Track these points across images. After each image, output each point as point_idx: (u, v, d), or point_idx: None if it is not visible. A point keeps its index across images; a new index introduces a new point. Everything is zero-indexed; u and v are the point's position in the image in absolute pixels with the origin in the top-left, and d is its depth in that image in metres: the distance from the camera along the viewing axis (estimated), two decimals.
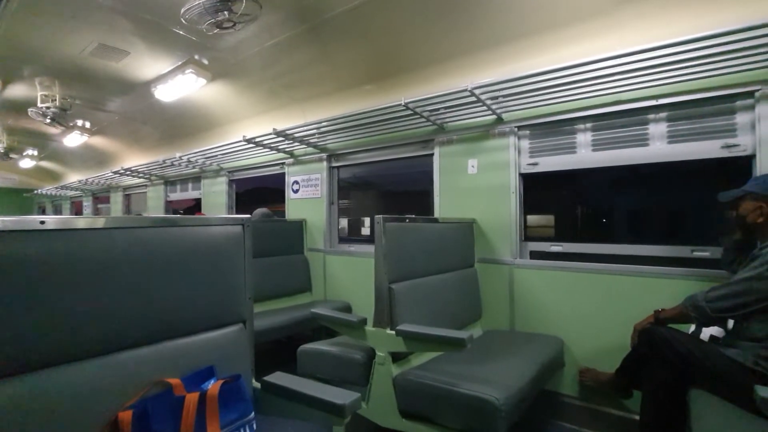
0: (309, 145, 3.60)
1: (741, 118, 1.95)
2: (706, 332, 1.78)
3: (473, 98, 2.37)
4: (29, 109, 4.07)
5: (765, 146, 1.85)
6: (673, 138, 2.13)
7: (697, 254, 2.10)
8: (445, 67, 2.73)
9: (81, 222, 0.94)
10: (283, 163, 4.00)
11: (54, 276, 0.86)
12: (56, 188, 8.00)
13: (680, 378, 1.55)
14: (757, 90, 1.87)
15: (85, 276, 0.91)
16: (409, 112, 2.65)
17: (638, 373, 1.75)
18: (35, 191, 8.69)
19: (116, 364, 0.95)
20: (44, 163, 8.00)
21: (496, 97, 2.41)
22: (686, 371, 1.53)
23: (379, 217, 1.98)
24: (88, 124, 5.01)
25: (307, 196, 3.78)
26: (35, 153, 7.05)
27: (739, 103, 1.96)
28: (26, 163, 7.54)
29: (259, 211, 3.96)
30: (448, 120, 2.82)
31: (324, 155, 3.64)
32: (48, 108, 3.98)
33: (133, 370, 0.97)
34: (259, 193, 6.54)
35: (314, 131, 3.32)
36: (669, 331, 1.62)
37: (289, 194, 3.94)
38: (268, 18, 2.63)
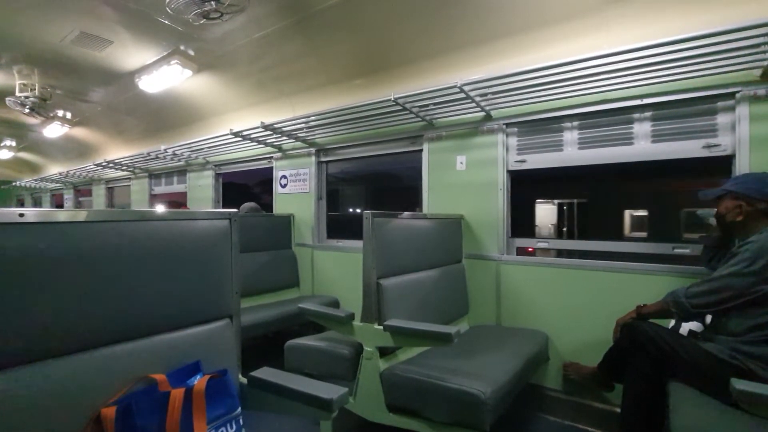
0: (297, 139, 3.57)
1: (722, 119, 2.00)
2: (686, 327, 1.83)
3: (462, 95, 2.38)
4: (7, 99, 3.95)
5: (744, 146, 1.90)
6: (656, 137, 2.17)
7: (678, 251, 2.16)
8: (435, 63, 2.73)
9: (62, 215, 0.91)
10: (270, 158, 3.96)
11: (34, 270, 0.84)
12: (36, 180, 7.79)
13: (660, 371, 1.59)
14: (738, 91, 1.91)
15: (66, 270, 0.89)
16: (399, 107, 2.65)
17: (620, 366, 1.79)
18: (13, 183, 8.44)
19: (99, 359, 0.93)
20: (23, 154, 7.77)
21: (485, 94, 2.43)
22: (666, 364, 1.57)
23: (367, 212, 1.98)
24: (69, 115, 4.88)
25: (296, 190, 3.75)
26: (13, 144, 6.85)
27: (720, 104, 2.00)
28: (4, 154, 7.32)
29: (247, 205, 3.92)
30: (437, 116, 2.83)
31: (312, 150, 3.61)
32: (27, 97, 3.87)
33: (116, 366, 0.95)
34: (266, 184, 6.35)
35: (303, 125, 3.30)
36: (649, 326, 1.66)
37: (277, 189, 3.91)
38: (256, 9, 2.59)
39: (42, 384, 0.83)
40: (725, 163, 2.00)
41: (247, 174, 4.46)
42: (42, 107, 4.10)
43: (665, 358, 1.57)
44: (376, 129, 3.15)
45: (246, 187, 5.74)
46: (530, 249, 2.67)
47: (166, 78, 3.47)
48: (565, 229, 5.10)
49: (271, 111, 3.62)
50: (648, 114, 2.20)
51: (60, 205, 8.27)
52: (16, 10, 2.72)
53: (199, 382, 1.00)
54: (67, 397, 0.86)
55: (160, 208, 1.20)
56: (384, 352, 1.90)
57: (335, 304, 3.25)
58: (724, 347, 1.51)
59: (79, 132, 5.70)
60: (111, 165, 5.39)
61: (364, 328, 1.91)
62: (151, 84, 3.60)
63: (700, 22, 1.83)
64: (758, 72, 1.86)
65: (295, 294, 3.55)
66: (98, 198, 6.80)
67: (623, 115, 2.25)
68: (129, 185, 6.00)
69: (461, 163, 2.77)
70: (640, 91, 2.14)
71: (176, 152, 4.40)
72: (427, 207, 2.94)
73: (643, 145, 2.21)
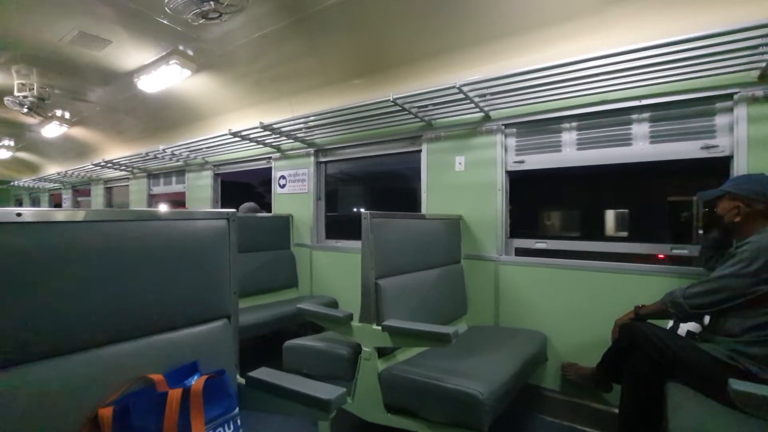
0: (296, 139, 3.57)
1: (720, 120, 2.01)
2: (684, 327, 1.83)
3: (461, 95, 2.38)
4: (5, 98, 3.94)
5: (742, 147, 1.91)
6: (655, 138, 2.18)
7: (676, 252, 2.16)
8: (434, 63, 2.73)
9: (60, 215, 0.91)
10: (269, 158, 3.96)
11: (31, 270, 0.84)
12: (34, 180, 7.77)
13: (658, 371, 1.59)
14: (736, 93, 1.92)
15: (64, 270, 0.89)
16: (398, 108, 2.65)
17: (618, 367, 1.79)
18: (11, 183, 8.42)
19: (96, 359, 0.93)
20: (21, 154, 7.75)
21: (484, 95, 2.43)
22: (664, 365, 1.58)
23: (366, 212, 1.98)
24: (67, 115, 4.86)
25: (294, 191, 3.75)
26: (11, 143, 6.82)
27: (718, 105, 2.01)
28: (2, 154, 7.28)
29: (246, 205, 3.92)
30: (436, 117, 2.83)
31: (311, 150, 3.61)
32: (25, 97, 3.86)
33: (113, 366, 0.95)
34: (269, 184, 6.24)
35: (302, 126, 3.30)
36: (648, 326, 1.66)
37: (276, 189, 3.90)
38: (256, 9, 2.59)
39: (39, 384, 0.83)
40: (723, 164, 2.01)
41: (250, 173, 4.46)
42: (40, 107, 4.09)
43: (663, 359, 1.57)
44: (375, 129, 3.15)
45: (249, 187, 5.72)
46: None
47: (164, 78, 3.47)
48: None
49: (270, 111, 3.62)
50: (646, 115, 2.20)
51: (58, 205, 8.25)
52: (15, 9, 2.71)
53: (196, 382, 1.00)
54: (64, 397, 0.86)
55: (164, 208, 1.20)
56: (382, 353, 1.89)
57: (334, 304, 3.25)
58: (722, 348, 1.51)
59: (78, 132, 5.69)
60: (109, 165, 5.38)
61: (362, 329, 1.91)
62: (149, 84, 3.60)
63: (698, 23, 1.84)
64: (756, 73, 1.86)
65: (293, 294, 3.55)
66: (97, 198, 6.79)
67: (622, 115, 2.26)
68: (127, 185, 5.99)
69: (460, 163, 2.77)
70: (638, 92, 2.14)
71: (175, 152, 4.40)
72: (425, 207, 2.94)
73: (641, 146, 2.21)
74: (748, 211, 1.61)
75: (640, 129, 2.22)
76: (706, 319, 1.72)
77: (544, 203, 3.02)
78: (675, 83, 2.03)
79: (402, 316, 1.93)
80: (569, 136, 2.43)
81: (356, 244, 3.02)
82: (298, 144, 3.66)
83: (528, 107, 2.47)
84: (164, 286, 1.07)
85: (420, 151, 2.98)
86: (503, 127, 2.60)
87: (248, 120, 3.60)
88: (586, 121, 2.37)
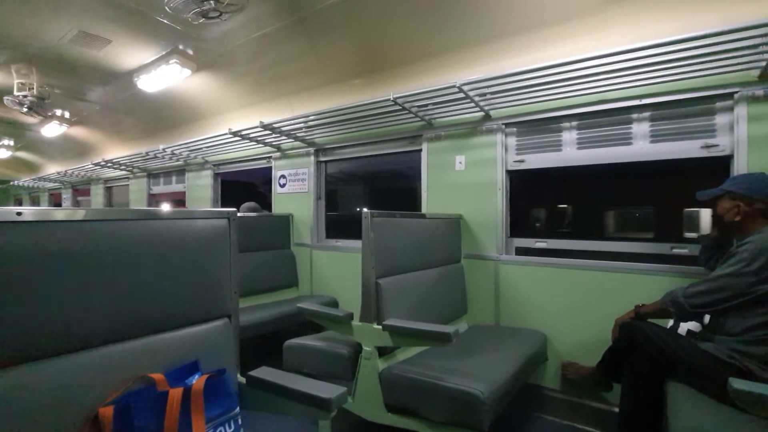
0: (296, 139, 3.57)
1: (720, 119, 2.01)
2: (684, 327, 1.83)
3: (461, 94, 2.38)
4: (5, 98, 3.94)
5: (742, 147, 1.91)
6: (655, 137, 2.18)
7: (677, 251, 2.16)
8: (434, 63, 2.73)
9: (60, 214, 0.91)
10: (269, 157, 3.96)
11: (31, 269, 0.84)
12: (33, 180, 7.77)
13: (658, 371, 1.60)
14: (736, 92, 1.92)
15: (64, 269, 0.88)
16: (398, 107, 2.65)
17: (618, 366, 1.79)
18: (11, 182, 8.41)
19: (97, 359, 0.92)
20: (21, 154, 7.75)
21: (484, 94, 2.43)
22: (664, 364, 1.58)
23: (366, 212, 1.97)
24: (67, 114, 4.86)
25: (294, 190, 3.75)
26: (11, 143, 6.82)
27: (719, 104, 2.01)
28: (2, 153, 7.28)
29: (247, 204, 3.92)
30: (436, 116, 2.83)
31: (311, 149, 3.61)
32: (25, 96, 3.86)
33: (114, 366, 0.95)
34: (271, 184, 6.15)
35: (302, 125, 3.29)
36: (648, 326, 1.66)
37: (276, 188, 3.90)
38: (256, 9, 2.59)
39: (39, 383, 0.83)
40: (724, 163, 2.01)
41: (252, 173, 4.45)
42: (40, 106, 4.10)
43: (663, 358, 1.57)
44: (375, 129, 3.15)
45: (251, 186, 5.73)
46: None
47: (164, 77, 3.46)
48: None
49: (270, 110, 3.62)
50: (646, 114, 2.20)
51: (58, 205, 8.25)
52: (14, 9, 2.71)
53: (197, 381, 1.00)
54: (65, 397, 0.86)
55: (166, 207, 1.21)
56: (383, 352, 1.90)
57: (334, 303, 3.25)
58: (722, 347, 1.52)
59: (78, 131, 5.69)
60: (109, 164, 5.38)
61: (362, 328, 1.91)
62: (149, 83, 3.59)
63: (698, 23, 1.84)
64: (756, 72, 1.86)
65: (293, 294, 3.55)
66: (96, 197, 6.79)
67: (622, 115, 2.25)
68: (127, 185, 5.99)
69: (460, 162, 2.77)
70: (638, 91, 2.14)
71: (175, 152, 4.39)
72: (426, 207, 2.94)
73: (641, 145, 2.21)
74: (748, 211, 1.61)
75: (640, 128, 2.21)
76: (707, 318, 1.72)
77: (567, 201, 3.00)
78: (675, 82, 2.03)
79: (402, 315, 1.94)
80: (569, 136, 2.43)
81: (356, 244, 3.02)
82: (298, 143, 3.65)
83: (528, 106, 2.47)
84: (164, 285, 1.07)
85: (420, 150, 2.98)
86: (503, 126, 2.60)
87: (248, 119, 3.60)
88: (587, 120, 2.36)
